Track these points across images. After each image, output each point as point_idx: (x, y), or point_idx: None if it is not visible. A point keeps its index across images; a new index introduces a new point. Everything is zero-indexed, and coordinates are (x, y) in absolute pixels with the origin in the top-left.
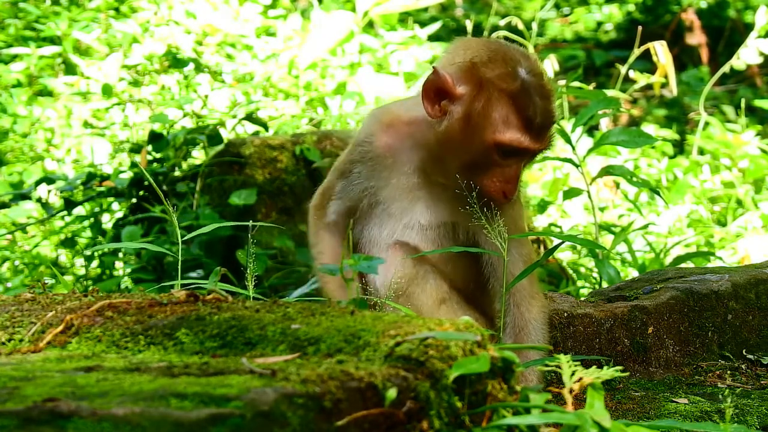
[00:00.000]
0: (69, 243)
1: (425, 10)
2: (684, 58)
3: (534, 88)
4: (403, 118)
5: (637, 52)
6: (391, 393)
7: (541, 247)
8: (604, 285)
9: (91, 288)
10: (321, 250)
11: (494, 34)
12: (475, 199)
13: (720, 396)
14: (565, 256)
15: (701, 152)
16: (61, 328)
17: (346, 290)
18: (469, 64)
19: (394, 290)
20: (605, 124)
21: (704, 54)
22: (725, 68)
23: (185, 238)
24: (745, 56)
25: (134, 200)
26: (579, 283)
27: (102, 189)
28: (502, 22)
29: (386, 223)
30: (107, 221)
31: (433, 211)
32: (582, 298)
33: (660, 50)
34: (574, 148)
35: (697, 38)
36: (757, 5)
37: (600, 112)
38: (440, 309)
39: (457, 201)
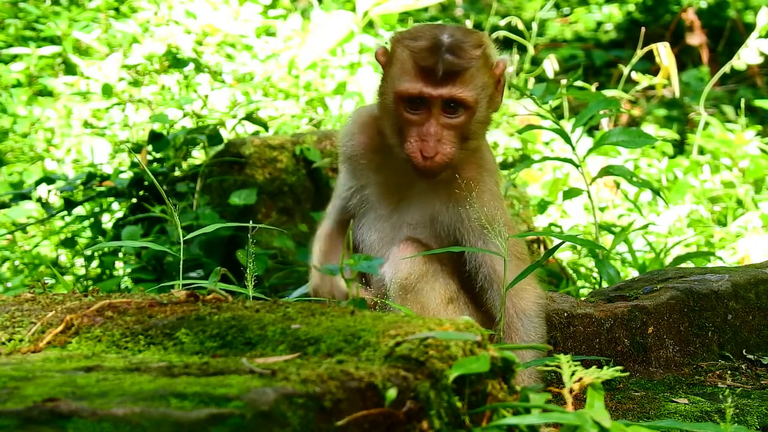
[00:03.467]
0: (69, 243)
1: (425, 10)
2: (684, 58)
3: (447, 47)
4: (376, 115)
5: (640, 53)
6: (391, 393)
7: (541, 247)
8: (604, 285)
9: (91, 288)
10: (317, 248)
11: (494, 34)
12: (455, 192)
13: (720, 396)
14: (565, 256)
15: (701, 152)
16: (61, 328)
17: (328, 284)
18: (392, 36)
19: (403, 286)
20: (605, 124)
21: (704, 54)
22: (725, 68)
23: (185, 238)
24: (746, 56)
25: (134, 200)
26: (579, 283)
27: (102, 189)
28: (502, 22)
29: (376, 224)
30: (107, 221)
31: (417, 209)
32: (582, 298)
33: (663, 52)
34: (574, 148)
35: (697, 38)
36: (757, 5)
37: (600, 113)
38: (448, 308)
39: (435, 196)
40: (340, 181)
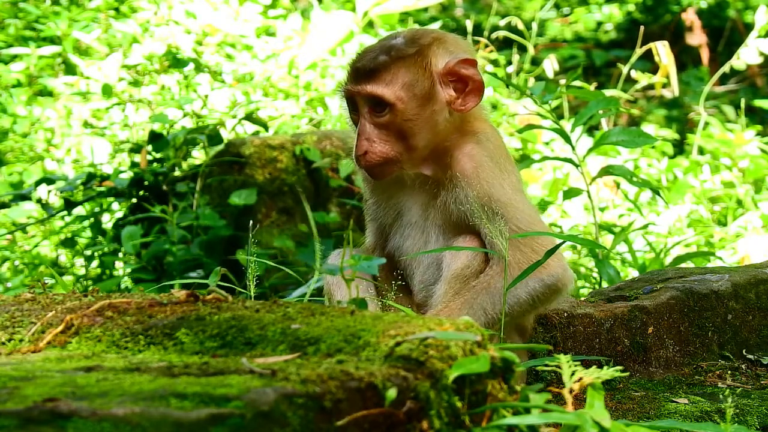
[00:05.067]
0: (69, 243)
1: (425, 10)
2: (684, 58)
3: (381, 47)
4: None
5: (639, 52)
6: (391, 393)
7: None
8: (604, 285)
9: (91, 288)
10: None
11: (494, 34)
12: (449, 180)
13: (720, 396)
14: (565, 256)
15: (701, 152)
16: (61, 328)
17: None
18: None
19: (457, 275)
20: (605, 124)
21: (704, 54)
22: (725, 68)
23: (186, 238)
24: (745, 56)
25: (134, 200)
26: (579, 283)
27: (102, 189)
28: (502, 22)
29: (406, 230)
30: (107, 221)
31: (439, 210)
32: (582, 298)
33: (662, 51)
34: (574, 148)
35: (697, 38)
36: (757, 5)
37: (600, 112)
38: None
39: (442, 189)
40: (367, 201)
